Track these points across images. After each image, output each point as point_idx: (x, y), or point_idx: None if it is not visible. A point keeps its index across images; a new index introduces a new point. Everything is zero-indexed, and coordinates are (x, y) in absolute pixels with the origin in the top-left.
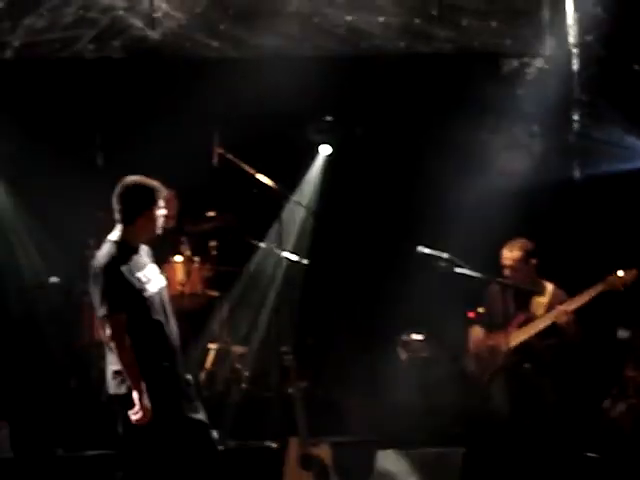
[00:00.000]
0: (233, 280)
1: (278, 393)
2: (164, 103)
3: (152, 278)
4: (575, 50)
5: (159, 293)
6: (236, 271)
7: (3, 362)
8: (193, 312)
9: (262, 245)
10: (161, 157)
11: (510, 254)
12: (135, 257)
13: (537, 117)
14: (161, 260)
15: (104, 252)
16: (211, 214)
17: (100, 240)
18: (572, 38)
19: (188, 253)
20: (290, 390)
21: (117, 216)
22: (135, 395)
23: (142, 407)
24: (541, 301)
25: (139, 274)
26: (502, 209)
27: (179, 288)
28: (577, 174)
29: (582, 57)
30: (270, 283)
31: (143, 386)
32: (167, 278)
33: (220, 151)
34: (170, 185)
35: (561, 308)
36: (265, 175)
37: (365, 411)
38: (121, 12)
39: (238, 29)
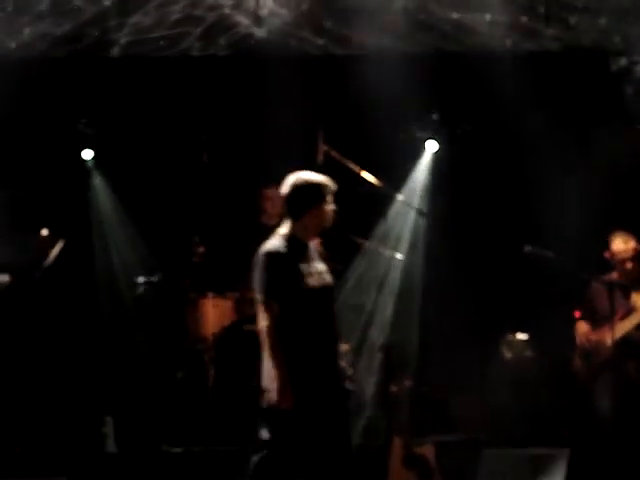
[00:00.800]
0: (337, 277)
1: (382, 391)
2: (270, 100)
3: (315, 273)
4: None
5: (321, 290)
6: (340, 269)
7: (109, 357)
8: None
9: (367, 243)
10: (266, 154)
11: (626, 246)
12: (301, 250)
13: None
14: None
15: (271, 242)
16: None
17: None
18: None
19: None
20: (394, 388)
21: (286, 211)
22: (276, 381)
23: (281, 393)
24: None
25: (302, 266)
26: (604, 207)
27: None
28: None
29: None
30: (374, 281)
31: (285, 374)
32: None
33: (325, 148)
34: (275, 183)
35: None
36: (370, 173)
37: (470, 410)
38: (227, 10)
39: (343, 26)
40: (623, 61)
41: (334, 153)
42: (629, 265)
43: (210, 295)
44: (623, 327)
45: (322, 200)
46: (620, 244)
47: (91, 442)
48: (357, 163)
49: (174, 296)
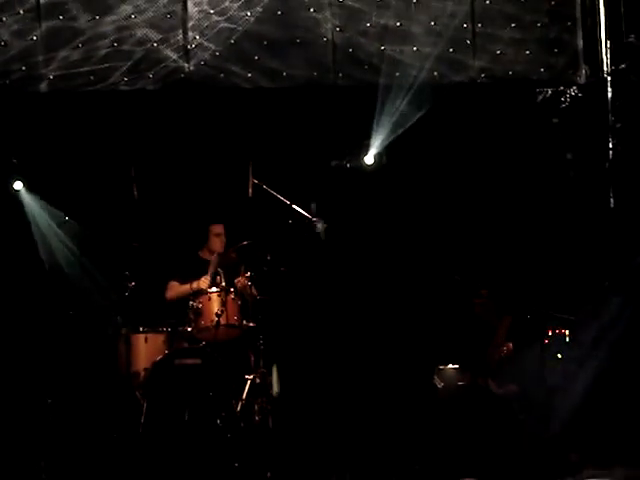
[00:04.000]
0: (269, 311)
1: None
2: (199, 134)
3: None
4: (609, 78)
5: None
6: (272, 301)
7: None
8: (229, 343)
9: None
10: (196, 188)
11: None
12: None
13: (572, 145)
14: (198, 291)
15: None
16: (245, 244)
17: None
18: (606, 66)
19: (223, 284)
20: None
21: None
22: None
23: None
24: None
25: None
26: (533, 234)
27: (215, 319)
28: (612, 201)
29: (616, 85)
30: None
31: None
32: (203, 309)
33: (255, 181)
34: (208, 217)
35: None
36: (301, 205)
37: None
38: (155, 44)
39: (272, 59)
40: (549, 92)
41: (265, 186)
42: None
43: (142, 330)
44: None
45: None
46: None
47: None
48: (287, 196)
49: (106, 332)
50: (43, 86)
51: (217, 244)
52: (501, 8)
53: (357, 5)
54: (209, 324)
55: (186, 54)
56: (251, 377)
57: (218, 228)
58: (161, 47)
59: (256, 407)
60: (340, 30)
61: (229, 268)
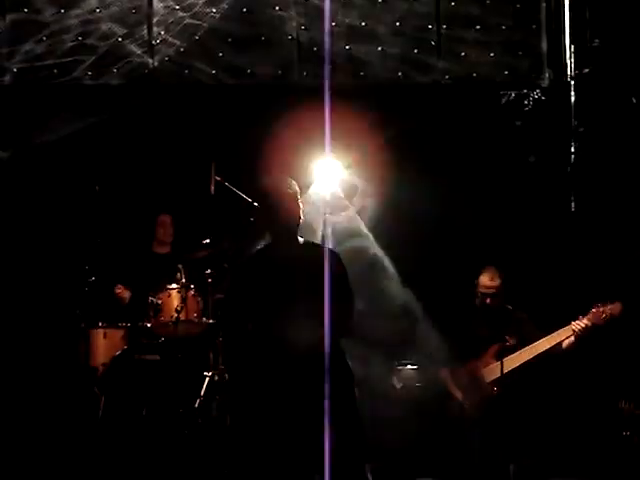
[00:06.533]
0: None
1: None
2: (162, 130)
3: None
4: (572, 82)
5: None
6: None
7: None
8: (188, 339)
9: None
10: (158, 184)
11: (491, 282)
12: None
13: (535, 148)
14: (157, 287)
15: None
16: (207, 242)
17: (97, 266)
18: (570, 70)
19: (184, 281)
20: None
21: None
22: None
23: None
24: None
25: None
26: (495, 239)
27: (174, 315)
28: (573, 205)
29: (579, 89)
30: None
31: None
32: (162, 305)
33: (217, 178)
34: (166, 211)
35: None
36: None
37: None
38: (120, 39)
39: (236, 56)
40: (512, 94)
41: (227, 183)
42: (489, 301)
43: (101, 325)
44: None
45: None
46: (486, 280)
47: None
48: (249, 194)
49: (64, 326)
50: (7, 78)
51: (160, 233)
52: (466, 10)
53: (322, 4)
54: (168, 320)
55: (151, 49)
56: (210, 374)
57: (162, 217)
58: (126, 42)
59: (214, 404)
60: (305, 29)
61: (192, 265)
